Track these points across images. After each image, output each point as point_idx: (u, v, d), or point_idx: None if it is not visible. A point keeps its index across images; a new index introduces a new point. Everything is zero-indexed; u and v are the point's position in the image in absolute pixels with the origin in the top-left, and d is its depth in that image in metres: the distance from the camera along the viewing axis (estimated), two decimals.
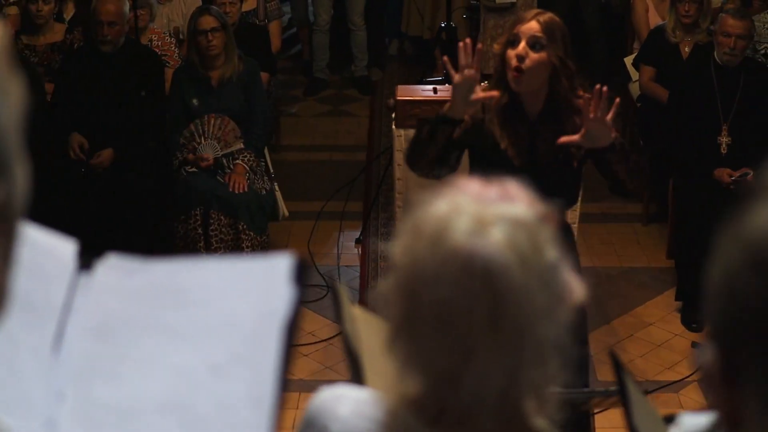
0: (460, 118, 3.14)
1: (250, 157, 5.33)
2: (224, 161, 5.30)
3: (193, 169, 5.28)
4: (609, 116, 3.09)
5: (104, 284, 1.16)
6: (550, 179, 3.28)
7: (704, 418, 1.40)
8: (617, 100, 3.18)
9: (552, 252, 1.25)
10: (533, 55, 3.22)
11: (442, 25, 6.37)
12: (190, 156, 5.29)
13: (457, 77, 3.11)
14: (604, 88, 3.12)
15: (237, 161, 5.30)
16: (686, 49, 5.88)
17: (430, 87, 4.26)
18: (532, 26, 3.26)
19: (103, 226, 5.12)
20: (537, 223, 1.26)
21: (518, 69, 3.21)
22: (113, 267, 1.27)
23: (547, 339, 1.23)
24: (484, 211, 1.25)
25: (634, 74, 6.27)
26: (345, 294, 1.68)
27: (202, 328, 1.26)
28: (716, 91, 5.25)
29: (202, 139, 5.30)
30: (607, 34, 7.57)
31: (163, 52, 6.02)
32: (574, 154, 3.27)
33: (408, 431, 1.31)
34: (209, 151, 5.28)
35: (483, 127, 3.30)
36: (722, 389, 0.74)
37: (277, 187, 5.59)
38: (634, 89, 6.30)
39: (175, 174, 5.32)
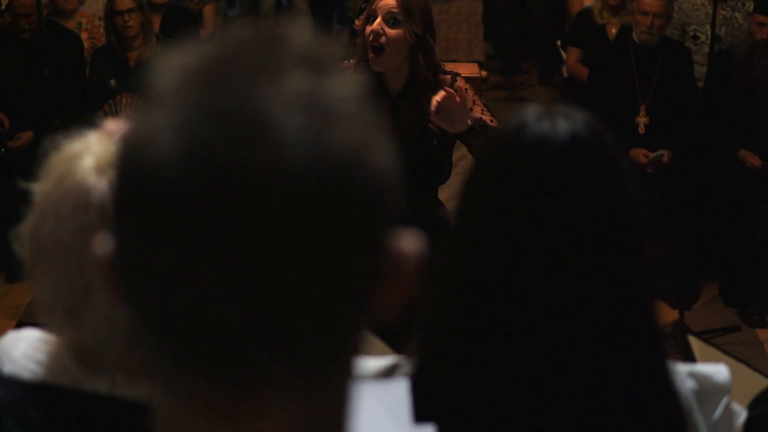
0: None
1: None
2: None
3: None
4: (465, 102, 3.09)
5: None
6: (412, 155, 3.28)
7: (384, 361, 1.39)
8: (458, 83, 3.21)
9: None
10: (390, 32, 3.22)
11: (362, 6, 6.34)
12: None
13: None
14: (459, 84, 3.22)
15: None
16: (613, 30, 5.85)
17: None
18: (389, 2, 3.25)
19: (21, 205, 5.10)
20: None
21: (375, 49, 3.21)
22: None
23: None
24: (111, 150, 1.25)
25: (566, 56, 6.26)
26: None
27: None
28: (634, 71, 5.22)
29: None
30: (551, 19, 7.55)
31: (92, 35, 6.01)
32: (433, 132, 3.27)
33: (63, 372, 1.30)
34: None
35: None
36: (115, 281, 0.72)
37: None
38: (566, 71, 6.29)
39: None
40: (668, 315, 4.78)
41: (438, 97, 3.05)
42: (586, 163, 1.27)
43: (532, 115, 1.29)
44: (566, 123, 1.28)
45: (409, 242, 0.73)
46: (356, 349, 0.75)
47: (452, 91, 3.07)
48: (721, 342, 4.54)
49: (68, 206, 1.23)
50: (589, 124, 1.30)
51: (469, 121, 3.09)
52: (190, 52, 0.71)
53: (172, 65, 0.70)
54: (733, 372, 2.10)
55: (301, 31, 0.72)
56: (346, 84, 0.71)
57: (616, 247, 1.28)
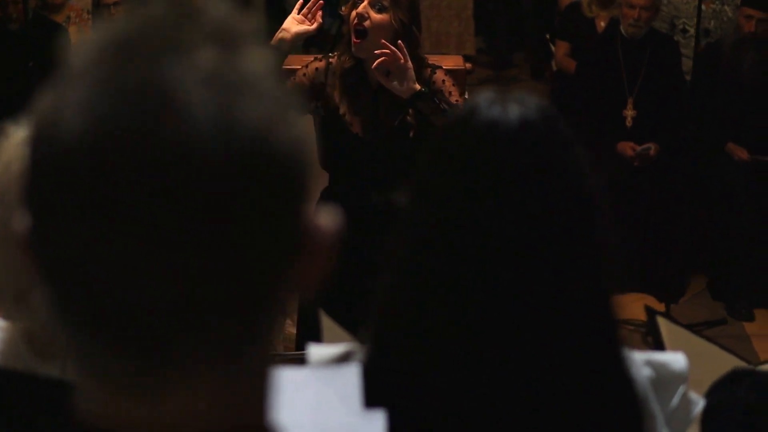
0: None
1: None
2: None
3: None
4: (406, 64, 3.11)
5: None
6: (391, 148, 3.27)
7: (338, 348, 1.39)
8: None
9: None
10: (374, 16, 3.20)
11: None
12: None
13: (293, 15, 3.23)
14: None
15: None
16: (602, 23, 5.85)
17: (312, 56, 4.27)
18: None
19: None
20: None
21: (359, 33, 3.20)
22: None
23: None
24: None
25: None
26: None
27: None
28: (622, 64, 5.22)
29: None
30: (542, 14, 7.55)
31: (80, 29, 6.01)
32: (410, 124, 3.26)
33: (17, 358, 1.30)
34: None
35: (324, 91, 3.30)
36: (32, 259, 0.72)
37: None
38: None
39: None
40: (652, 308, 4.77)
41: (379, 51, 3.07)
42: (537, 148, 1.26)
43: (483, 100, 1.29)
44: (517, 108, 1.28)
45: (325, 217, 0.73)
46: (276, 328, 0.74)
47: (394, 48, 3.08)
48: (707, 335, 4.53)
49: (16, 192, 1.22)
50: (541, 110, 1.30)
51: (417, 86, 3.11)
52: (104, 27, 0.71)
53: (85, 41, 0.70)
54: (704, 353, 2.08)
55: (215, 6, 0.72)
56: (257, 59, 0.70)
57: (567, 233, 1.28)
